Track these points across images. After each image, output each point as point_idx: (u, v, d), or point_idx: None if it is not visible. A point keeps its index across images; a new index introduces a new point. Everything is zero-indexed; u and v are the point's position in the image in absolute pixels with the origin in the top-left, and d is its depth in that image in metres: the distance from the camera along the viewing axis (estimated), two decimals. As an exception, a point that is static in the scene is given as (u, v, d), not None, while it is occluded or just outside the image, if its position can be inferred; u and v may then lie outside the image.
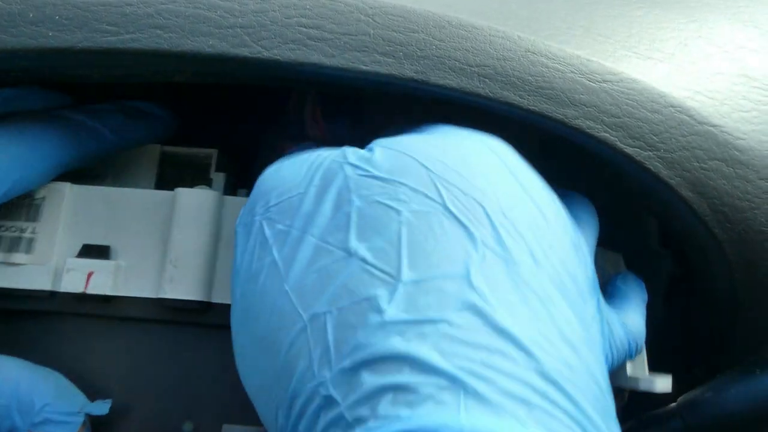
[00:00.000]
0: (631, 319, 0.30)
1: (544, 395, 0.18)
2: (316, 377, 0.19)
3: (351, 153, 0.24)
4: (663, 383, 0.33)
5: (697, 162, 0.30)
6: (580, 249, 0.24)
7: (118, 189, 0.35)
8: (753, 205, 0.30)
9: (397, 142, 0.23)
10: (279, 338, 0.21)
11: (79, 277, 0.32)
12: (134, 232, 0.34)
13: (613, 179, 0.32)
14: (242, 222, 0.25)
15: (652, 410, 0.33)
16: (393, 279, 0.20)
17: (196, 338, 0.34)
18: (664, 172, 0.29)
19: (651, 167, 0.29)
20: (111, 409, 0.31)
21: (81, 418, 0.30)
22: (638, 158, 0.29)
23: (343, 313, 0.20)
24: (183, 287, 0.32)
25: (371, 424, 0.17)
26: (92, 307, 0.33)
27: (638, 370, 0.35)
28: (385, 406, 0.18)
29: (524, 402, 0.18)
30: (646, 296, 0.33)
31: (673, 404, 0.32)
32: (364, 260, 0.20)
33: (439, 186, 0.21)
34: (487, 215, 0.21)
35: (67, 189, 0.34)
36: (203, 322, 0.33)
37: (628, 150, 0.29)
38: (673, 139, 0.29)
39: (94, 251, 0.33)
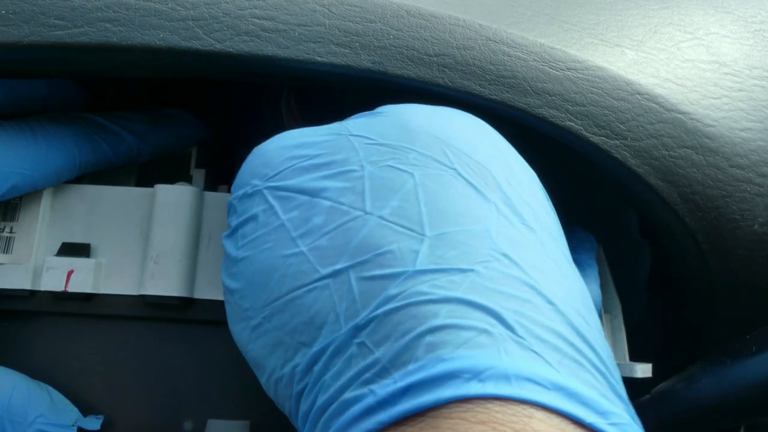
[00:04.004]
0: (589, 287, 0.31)
1: (572, 345, 0.18)
2: (344, 329, 0.19)
3: (352, 125, 0.24)
4: (643, 369, 0.32)
5: (666, 150, 0.29)
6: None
7: (96, 186, 0.34)
8: (724, 193, 0.30)
9: (403, 111, 0.24)
10: (296, 297, 0.21)
11: (59, 276, 0.32)
12: (114, 230, 0.34)
13: (588, 168, 0.32)
14: (237, 196, 0.25)
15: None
16: (416, 233, 0.20)
17: (179, 334, 0.34)
18: (631, 161, 0.29)
19: (618, 156, 0.29)
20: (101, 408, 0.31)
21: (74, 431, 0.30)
22: (604, 147, 0.28)
23: (366, 267, 0.20)
24: (164, 283, 0.32)
25: (411, 367, 0.17)
26: (73, 305, 0.33)
27: (619, 356, 0.34)
28: (424, 349, 0.18)
29: (556, 349, 0.18)
30: (595, 251, 0.34)
31: (647, 396, 0.31)
32: (382, 218, 0.20)
33: (448, 152, 0.22)
34: (497, 183, 0.22)
35: (45, 187, 0.34)
36: (185, 318, 0.33)
37: (594, 139, 0.28)
38: (640, 127, 0.29)
39: (73, 249, 0.33)
